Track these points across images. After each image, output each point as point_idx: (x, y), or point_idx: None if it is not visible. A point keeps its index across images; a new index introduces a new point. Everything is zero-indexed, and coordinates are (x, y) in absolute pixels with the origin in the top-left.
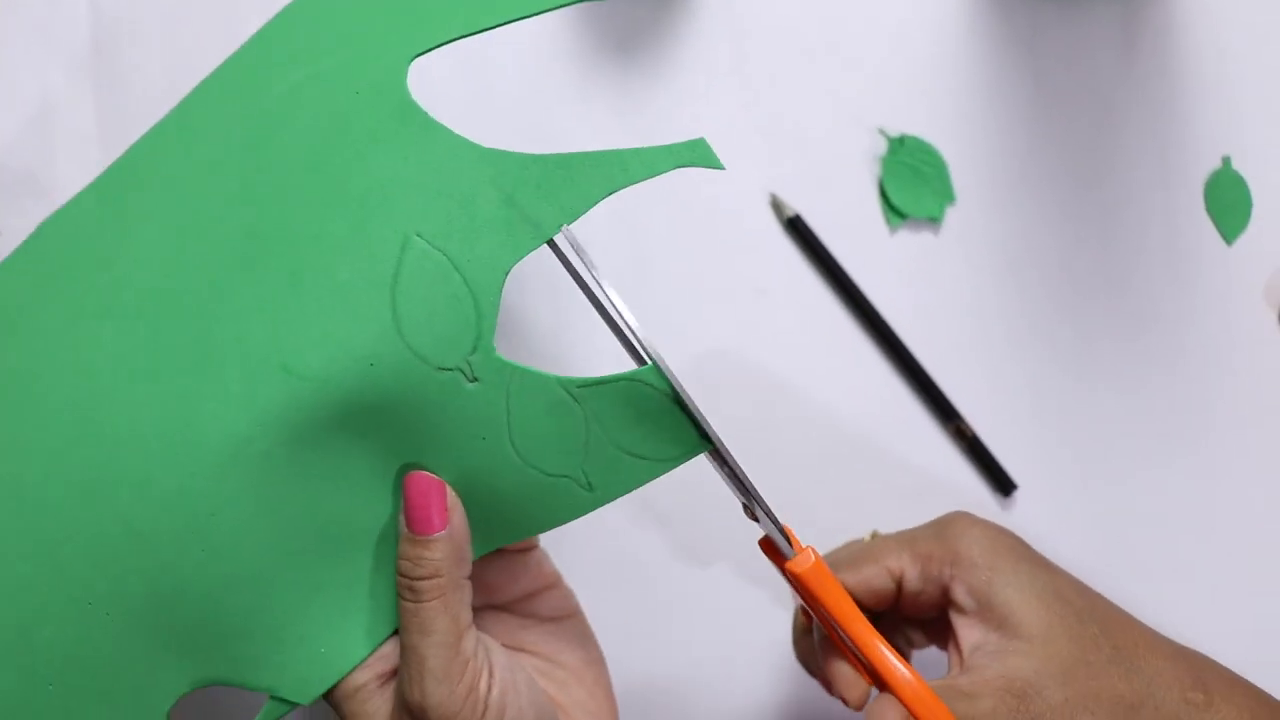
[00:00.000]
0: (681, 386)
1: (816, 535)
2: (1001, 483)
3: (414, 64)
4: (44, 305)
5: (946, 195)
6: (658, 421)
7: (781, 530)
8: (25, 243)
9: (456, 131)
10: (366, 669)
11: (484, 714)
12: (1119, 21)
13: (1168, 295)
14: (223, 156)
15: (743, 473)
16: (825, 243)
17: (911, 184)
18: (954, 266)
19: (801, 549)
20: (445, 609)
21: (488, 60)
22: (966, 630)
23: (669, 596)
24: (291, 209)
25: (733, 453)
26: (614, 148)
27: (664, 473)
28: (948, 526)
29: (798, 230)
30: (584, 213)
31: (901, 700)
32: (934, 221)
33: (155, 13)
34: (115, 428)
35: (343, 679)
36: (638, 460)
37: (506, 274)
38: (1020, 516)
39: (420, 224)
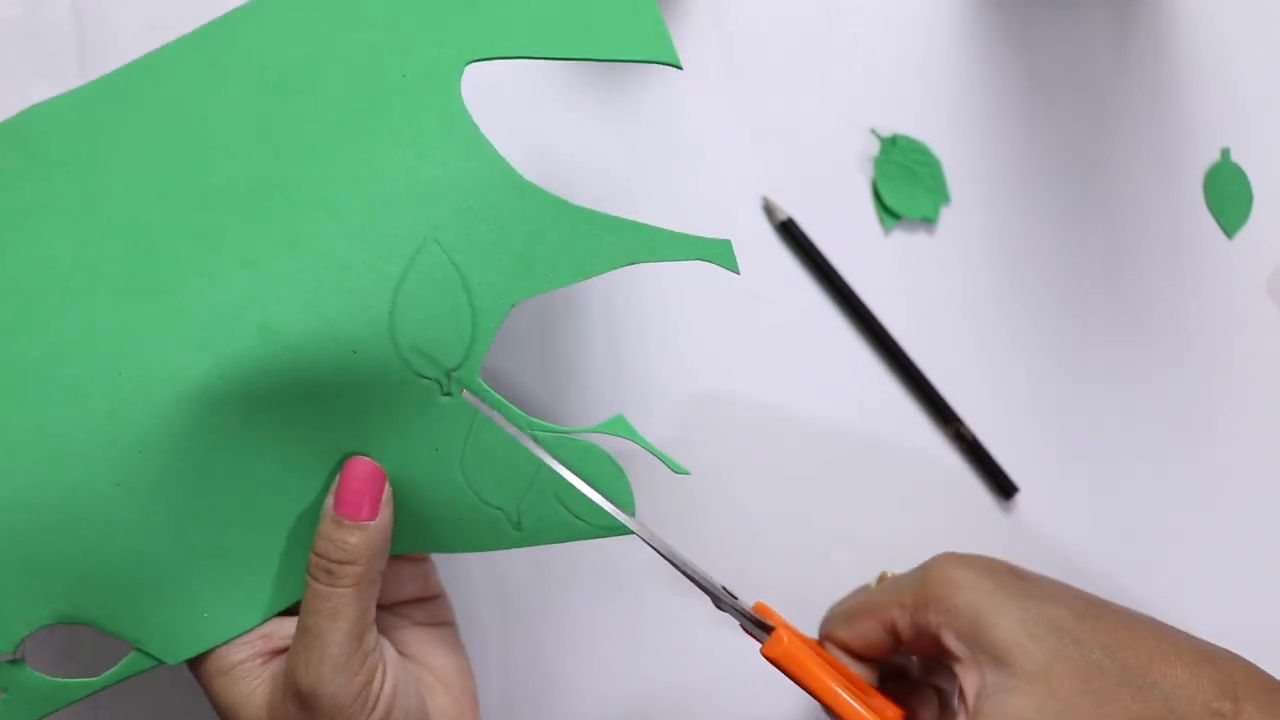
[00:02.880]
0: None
1: (815, 543)
2: (1003, 486)
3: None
4: (32, 183)
5: (941, 195)
6: (603, 488)
7: (749, 616)
8: (13, 118)
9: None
10: (246, 645)
11: (373, 710)
12: (1113, 14)
13: (1169, 291)
14: (248, 90)
15: (696, 571)
16: (819, 246)
17: (905, 184)
18: (950, 267)
19: (778, 626)
20: (357, 598)
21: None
22: (967, 678)
23: (665, 606)
24: (307, 170)
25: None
26: (647, 223)
27: (590, 538)
28: (929, 572)
29: (791, 234)
30: (598, 275)
31: None
32: (929, 222)
33: (138, 23)
34: (68, 330)
35: (218, 653)
36: (572, 518)
37: (511, 307)
38: (1022, 520)
39: (442, 233)
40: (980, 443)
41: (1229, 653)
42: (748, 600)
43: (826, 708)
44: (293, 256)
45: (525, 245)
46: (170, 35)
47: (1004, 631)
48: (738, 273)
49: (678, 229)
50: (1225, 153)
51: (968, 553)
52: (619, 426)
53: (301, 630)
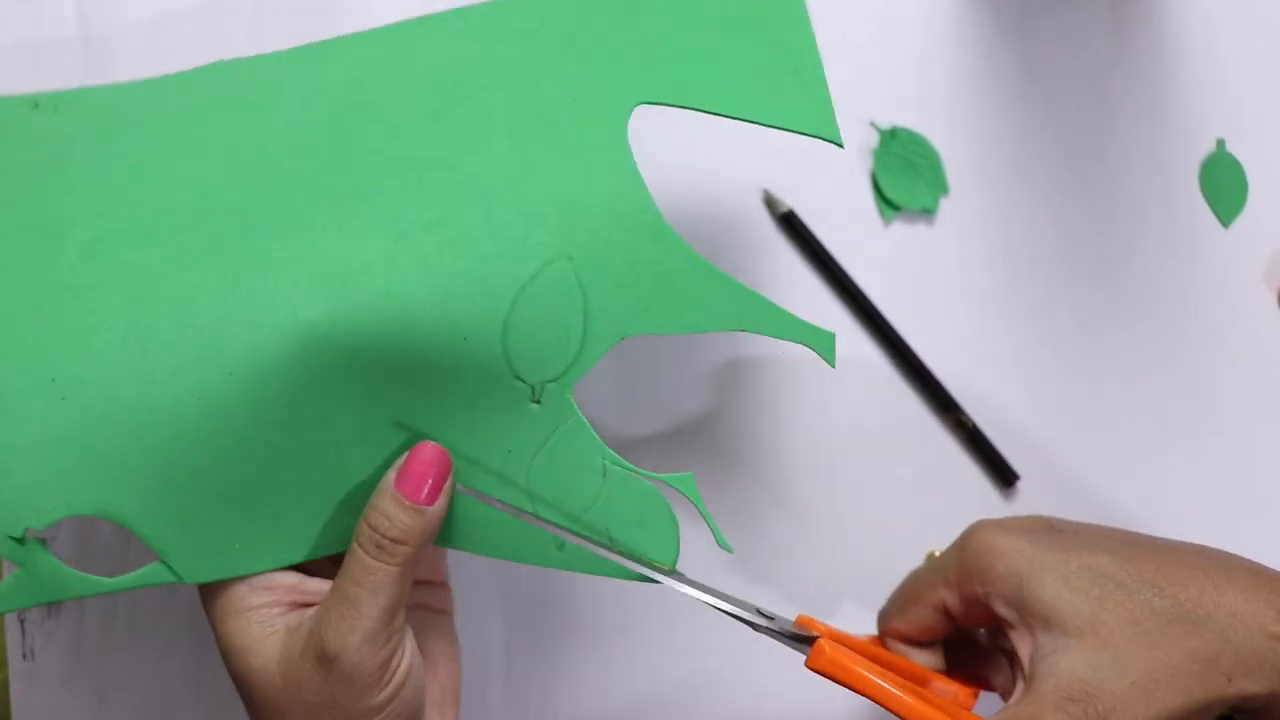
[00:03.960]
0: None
1: (819, 532)
2: (1003, 474)
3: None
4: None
5: (940, 186)
6: (653, 534)
7: (788, 634)
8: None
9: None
10: (268, 592)
11: (387, 685)
12: (1109, 6)
13: (1166, 281)
14: (427, 81)
15: (734, 602)
16: (820, 237)
17: (904, 176)
18: (949, 257)
19: (821, 634)
20: (401, 577)
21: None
22: (1020, 642)
23: (671, 600)
24: (468, 159)
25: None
26: (763, 297)
27: (627, 579)
28: (968, 543)
29: (791, 226)
30: (706, 330)
31: None
32: (928, 213)
33: (143, 30)
34: (199, 243)
35: (239, 593)
36: (615, 554)
37: (620, 340)
38: (1023, 507)
39: (578, 252)
40: (981, 431)
41: None
42: (789, 615)
43: (885, 708)
44: (433, 234)
45: (651, 287)
46: (171, 38)
47: (1047, 591)
48: (833, 366)
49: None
50: (1221, 143)
51: (1003, 517)
52: (685, 484)
53: (340, 595)
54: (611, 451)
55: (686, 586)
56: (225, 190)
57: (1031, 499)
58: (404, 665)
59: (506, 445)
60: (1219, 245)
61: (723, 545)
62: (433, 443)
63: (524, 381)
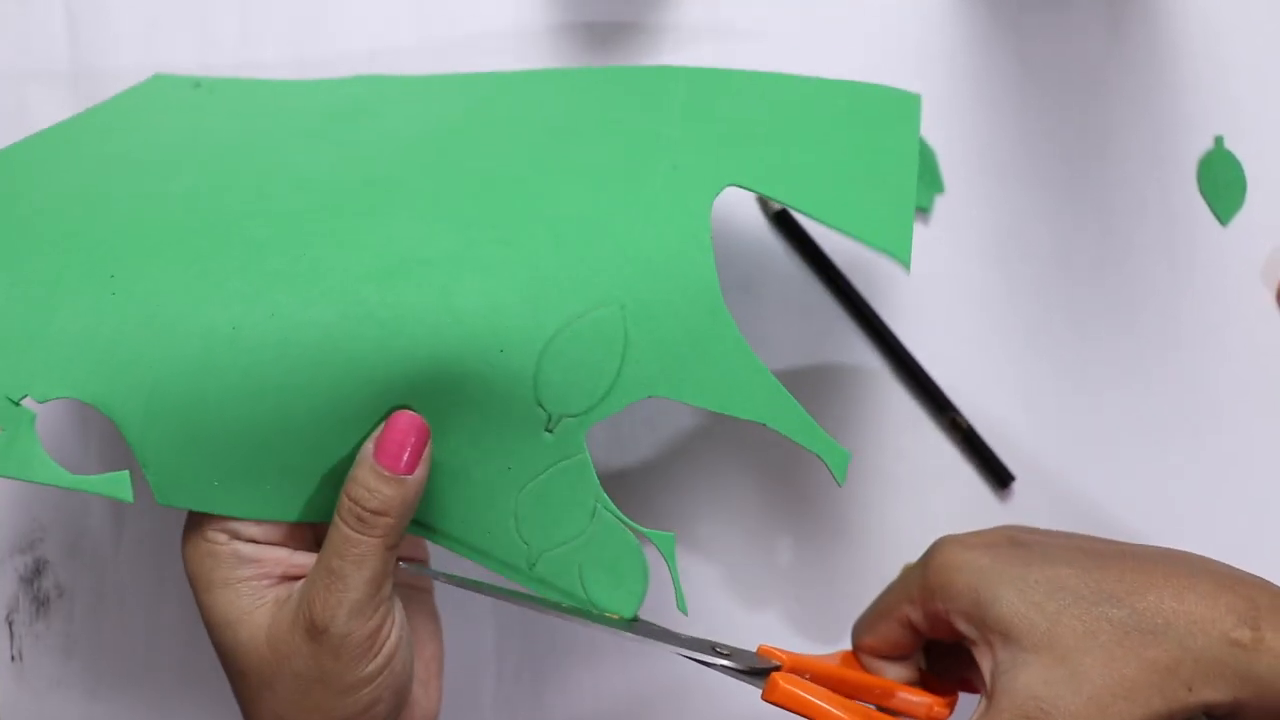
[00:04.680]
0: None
1: (812, 535)
2: (999, 475)
3: (387, 57)
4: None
5: (934, 184)
6: (623, 584)
7: (740, 669)
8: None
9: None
10: (256, 565)
11: (376, 655)
12: (1105, 2)
13: (1163, 279)
14: (537, 122)
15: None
16: (813, 236)
17: None
18: (944, 256)
19: (782, 665)
20: (384, 548)
21: (466, 58)
22: (982, 659)
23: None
24: (555, 194)
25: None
26: (796, 403)
27: (582, 618)
28: (930, 560)
29: (785, 224)
30: (730, 415)
31: None
32: (922, 212)
33: (131, 24)
34: (283, 204)
35: (226, 560)
36: (581, 591)
37: (647, 397)
38: (1019, 509)
39: (633, 304)
40: (976, 432)
41: (1251, 576)
42: (750, 645)
43: None
44: (502, 247)
45: (693, 358)
46: (159, 32)
47: (1004, 606)
48: (840, 484)
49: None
50: (1219, 140)
51: (967, 532)
52: (664, 543)
53: (324, 568)
54: (605, 496)
55: (643, 636)
56: (323, 175)
57: (1027, 500)
58: (393, 636)
59: (507, 463)
60: (1217, 244)
61: (680, 608)
62: (408, 411)
63: (544, 409)
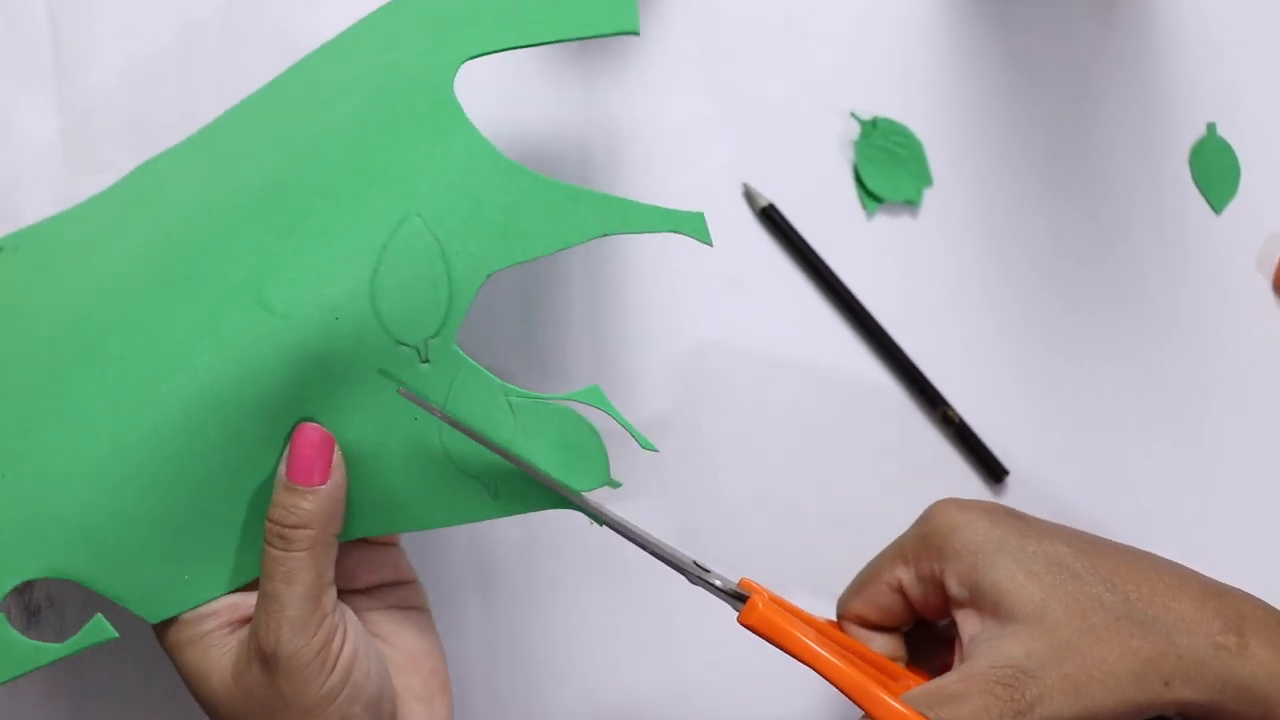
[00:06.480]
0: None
1: (804, 530)
2: (992, 469)
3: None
4: (118, 229)
5: (923, 177)
6: (579, 452)
7: (722, 590)
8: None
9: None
10: (214, 616)
11: (333, 670)
12: None
13: (1157, 269)
14: (279, 122)
15: (656, 542)
16: (801, 231)
17: (887, 167)
18: (934, 250)
19: (754, 594)
20: (312, 561)
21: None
22: (965, 622)
23: (654, 593)
24: (315, 170)
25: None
26: (620, 196)
27: (566, 507)
28: (930, 520)
29: (772, 220)
30: (574, 245)
31: None
32: (912, 205)
33: (115, 31)
34: (104, 316)
35: (188, 622)
36: (551, 479)
37: (488, 277)
38: (1012, 503)
39: (424, 207)
40: (969, 426)
41: (1236, 589)
42: (732, 577)
43: (812, 669)
44: (291, 238)
45: (503, 218)
46: (144, 39)
47: (1001, 573)
48: (710, 244)
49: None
50: (1211, 127)
51: (965, 497)
52: (593, 396)
53: (261, 595)
54: (512, 386)
55: (623, 532)
56: (129, 276)
57: (1021, 494)
58: (346, 649)
59: (410, 414)
60: (1211, 232)
61: (645, 445)
62: (309, 424)
63: (407, 345)
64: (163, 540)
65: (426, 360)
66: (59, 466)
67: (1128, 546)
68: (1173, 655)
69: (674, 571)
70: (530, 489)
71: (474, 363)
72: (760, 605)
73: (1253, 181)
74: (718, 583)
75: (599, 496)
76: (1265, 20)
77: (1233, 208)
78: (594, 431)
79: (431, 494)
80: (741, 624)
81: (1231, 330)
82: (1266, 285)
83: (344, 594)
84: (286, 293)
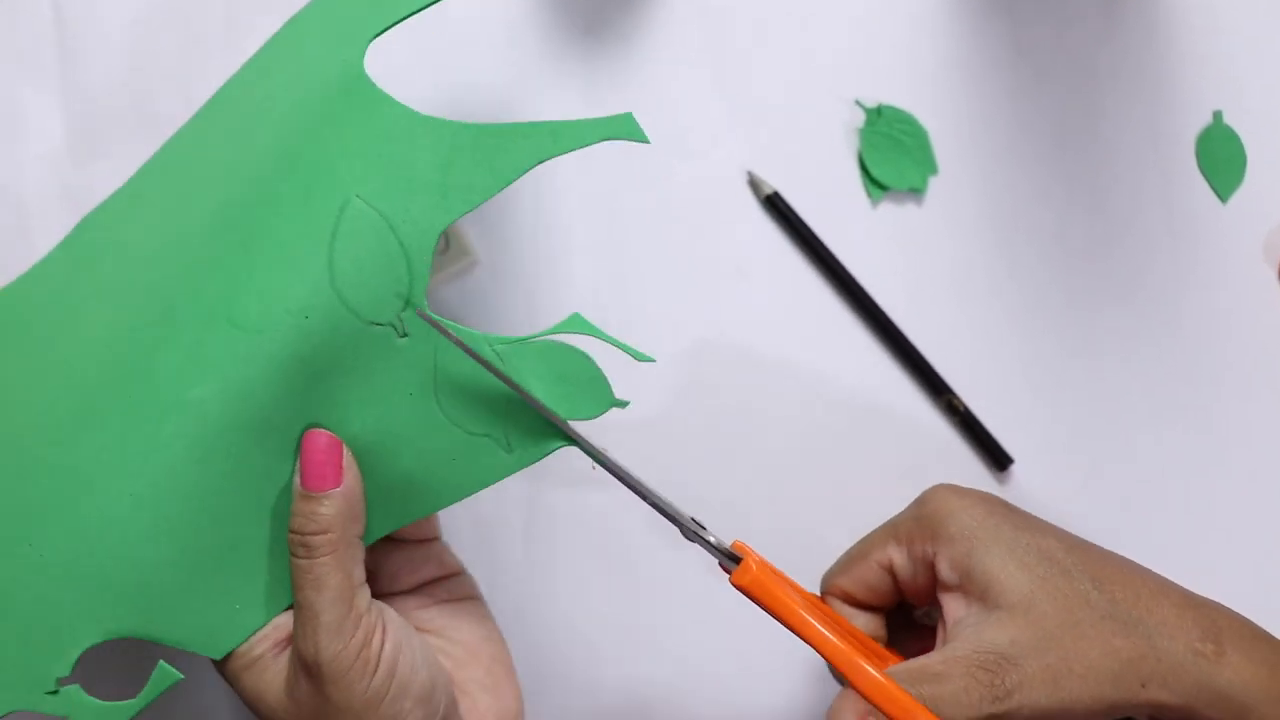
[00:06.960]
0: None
1: (808, 518)
2: (997, 458)
3: (379, 55)
4: (80, 283)
5: (928, 165)
6: (578, 381)
7: (717, 548)
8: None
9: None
10: (264, 640)
11: (376, 670)
12: None
13: (1163, 258)
14: (220, 148)
15: (649, 491)
16: (806, 219)
17: (892, 155)
18: (939, 238)
19: (747, 556)
20: (338, 565)
21: (453, 45)
22: (951, 605)
23: (659, 586)
24: (255, 184)
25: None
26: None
27: (577, 436)
28: (926, 503)
29: (777, 208)
30: (514, 180)
31: (861, 693)
32: (917, 193)
33: (120, 24)
34: (89, 373)
35: (242, 649)
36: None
37: (439, 234)
38: (1018, 491)
39: (360, 186)
40: (973, 414)
41: (1213, 601)
42: (725, 538)
43: (799, 637)
44: (246, 255)
45: (438, 175)
46: (148, 33)
47: (994, 561)
48: (646, 141)
49: (587, 123)
50: (1218, 115)
51: (962, 485)
52: (576, 324)
53: (295, 608)
54: (494, 335)
55: (622, 477)
56: (100, 331)
57: (1026, 483)
58: (388, 647)
59: (405, 390)
60: (1217, 221)
61: (639, 357)
62: (315, 430)
63: (380, 323)
64: (205, 576)
65: (405, 334)
66: (87, 532)
67: (1115, 553)
68: (1152, 658)
69: (669, 523)
70: (540, 432)
71: (449, 321)
72: (754, 567)
73: (1259, 170)
74: (712, 539)
75: (607, 441)
76: (1271, 9)
77: (1239, 196)
78: (587, 357)
79: (446, 465)
80: (734, 585)
81: (1238, 318)
82: (1272, 273)
83: (393, 596)
84: (255, 308)
